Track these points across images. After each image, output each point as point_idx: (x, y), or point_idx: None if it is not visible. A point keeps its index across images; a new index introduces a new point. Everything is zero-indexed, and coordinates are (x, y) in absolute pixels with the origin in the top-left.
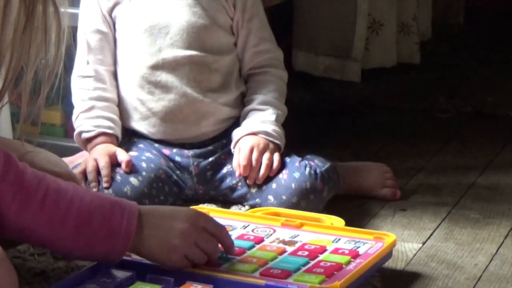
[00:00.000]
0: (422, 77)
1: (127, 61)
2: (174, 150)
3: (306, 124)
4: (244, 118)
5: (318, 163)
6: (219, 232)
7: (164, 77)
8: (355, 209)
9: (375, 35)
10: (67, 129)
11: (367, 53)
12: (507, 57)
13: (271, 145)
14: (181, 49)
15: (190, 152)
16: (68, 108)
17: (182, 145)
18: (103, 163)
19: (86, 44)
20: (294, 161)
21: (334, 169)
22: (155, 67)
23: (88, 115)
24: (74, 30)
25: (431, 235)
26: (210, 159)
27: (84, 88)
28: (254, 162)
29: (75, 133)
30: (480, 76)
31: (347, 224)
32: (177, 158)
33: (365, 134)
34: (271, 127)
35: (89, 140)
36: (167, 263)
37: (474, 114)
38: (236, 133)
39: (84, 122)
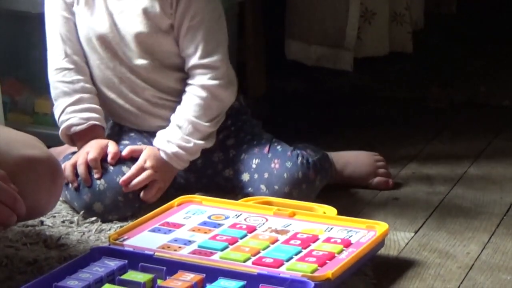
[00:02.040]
0: (414, 67)
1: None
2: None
3: (299, 113)
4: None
5: (310, 153)
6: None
7: (125, 80)
8: (348, 198)
9: (367, 24)
10: None
11: (359, 42)
12: (500, 46)
13: (163, 167)
14: (136, 58)
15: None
16: None
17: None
18: (93, 155)
19: (59, 36)
20: (286, 151)
21: (326, 158)
22: (115, 73)
23: (75, 108)
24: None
25: (423, 224)
26: None
27: (66, 81)
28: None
29: (62, 127)
30: (472, 65)
31: (340, 213)
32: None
33: (357, 123)
34: (172, 149)
35: (79, 133)
36: None
37: (466, 103)
38: (155, 141)
39: (72, 115)
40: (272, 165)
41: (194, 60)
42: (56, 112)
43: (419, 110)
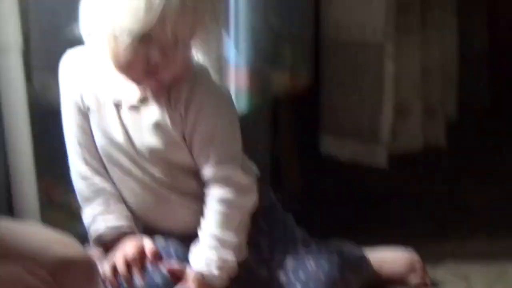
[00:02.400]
0: (449, 161)
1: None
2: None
3: (333, 209)
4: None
5: (346, 251)
6: None
7: (147, 187)
8: None
9: (401, 120)
10: None
11: (393, 138)
12: None
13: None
14: (152, 167)
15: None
16: None
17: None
18: (133, 255)
19: (77, 141)
20: (321, 250)
21: (363, 257)
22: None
23: (104, 217)
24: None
25: None
26: None
27: (87, 185)
28: None
29: (93, 237)
30: (508, 160)
31: None
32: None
33: (392, 220)
34: (212, 271)
35: (111, 241)
36: None
37: (503, 200)
38: (191, 261)
39: (101, 225)
40: (308, 265)
41: (208, 171)
42: (85, 220)
43: (454, 206)
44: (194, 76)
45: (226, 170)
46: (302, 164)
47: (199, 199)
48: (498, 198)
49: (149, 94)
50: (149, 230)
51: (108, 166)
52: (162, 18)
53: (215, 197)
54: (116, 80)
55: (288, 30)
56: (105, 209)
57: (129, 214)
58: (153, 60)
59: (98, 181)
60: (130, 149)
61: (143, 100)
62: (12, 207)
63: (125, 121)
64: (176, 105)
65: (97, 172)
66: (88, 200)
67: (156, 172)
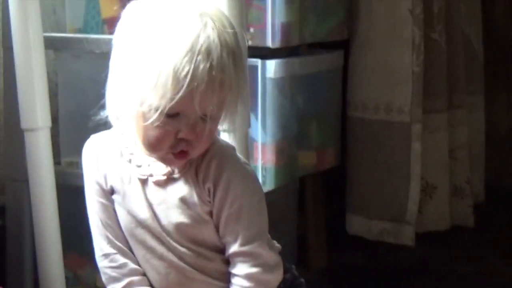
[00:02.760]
0: (476, 240)
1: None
2: None
3: (359, 287)
4: None
5: None
6: None
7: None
8: None
9: (428, 198)
10: None
11: (420, 217)
12: None
13: None
14: (178, 244)
15: None
16: None
17: None
18: None
19: (100, 223)
20: None
21: None
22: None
23: None
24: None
25: None
26: None
27: (113, 267)
28: None
29: None
30: None
31: None
32: None
33: None
34: None
35: None
36: None
37: None
38: None
39: None
40: None
41: (234, 248)
42: None
43: (481, 284)
44: (222, 153)
45: (254, 248)
46: (329, 242)
47: (224, 278)
48: None
49: (175, 170)
50: None
51: (133, 245)
52: (189, 94)
53: (242, 274)
54: (142, 158)
55: (315, 109)
56: (129, 286)
57: None
58: (181, 135)
59: (122, 261)
60: (156, 226)
61: (170, 176)
62: (38, 283)
63: (151, 198)
64: (204, 181)
65: (121, 252)
66: (113, 280)
67: (181, 250)
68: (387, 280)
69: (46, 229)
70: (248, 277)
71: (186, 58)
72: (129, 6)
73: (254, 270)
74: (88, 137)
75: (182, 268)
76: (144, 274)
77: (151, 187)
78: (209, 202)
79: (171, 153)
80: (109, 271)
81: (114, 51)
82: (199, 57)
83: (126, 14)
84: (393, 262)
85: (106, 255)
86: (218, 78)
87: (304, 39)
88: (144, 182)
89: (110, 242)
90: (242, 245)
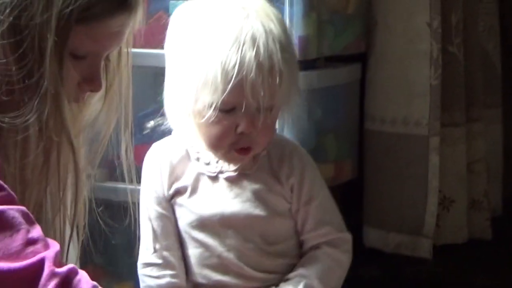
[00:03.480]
0: (493, 253)
1: (192, 247)
2: None
3: None
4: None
5: None
6: None
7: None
8: None
9: (446, 211)
10: None
11: (438, 230)
12: None
13: None
14: (243, 241)
15: None
16: (139, 284)
17: None
18: None
19: (152, 231)
20: None
21: None
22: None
23: None
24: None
25: None
26: None
27: (153, 276)
28: None
29: None
30: None
31: None
32: None
33: None
34: None
35: None
36: None
37: None
38: None
39: None
40: None
41: (317, 234)
42: None
43: None
44: (298, 148)
45: (343, 235)
46: None
47: (280, 270)
48: None
49: (248, 166)
50: None
51: (190, 245)
52: (240, 85)
53: (327, 253)
54: (209, 156)
55: (333, 122)
56: None
57: None
58: (240, 130)
59: (162, 271)
60: (223, 223)
61: (242, 172)
62: None
63: (221, 195)
64: (287, 176)
65: (165, 263)
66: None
67: (246, 246)
68: None
69: None
70: (330, 258)
71: (232, 49)
72: (175, 11)
73: (337, 252)
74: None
75: (239, 267)
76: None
77: (221, 184)
78: (289, 197)
79: (233, 150)
80: (147, 279)
81: (167, 57)
82: (245, 46)
83: (173, 19)
84: (410, 275)
85: (148, 264)
86: (267, 65)
87: (321, 53)
88: (214, 179)
89: (156, 252)
90: (334, 232)
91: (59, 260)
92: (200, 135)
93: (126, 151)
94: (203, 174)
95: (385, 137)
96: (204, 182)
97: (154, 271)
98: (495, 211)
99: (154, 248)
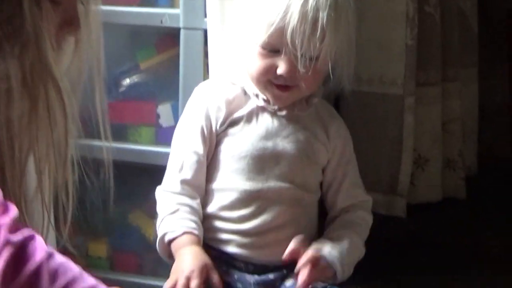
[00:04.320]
0: (468, 213)
1: (222, 182)
2: (236, 276)
3: None
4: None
5: None
6: None
7: (258, 203)
8: None
9: (420, 170)
10: (113, 261)
11: (412, 189)
12: None
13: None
14: (285, 182)
15: (252, 279)
16: (114, 240)
17: (246, 266)
18: (197, 282)
19: (181, 163)
20: None
21: None
22: (255, 193)
23: (173, 217)
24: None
25: None
26: None
27: (170, 199)
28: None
29: (158, 238)
30: None
31: None
32: (239, 285)
33: (409, 270)
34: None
35: (173, 240)
36: None
37: None
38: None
39: (168, 223)
40: None
41: (352, 200)
42: (157, 225)
43: (472, 257)
44: (331, 109)
45: (365, 196)
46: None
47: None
48: None
49: (300, 106)
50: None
51: (228, 178)
52: (282, 29)
53: (360, 216)
54: (253, 91)
55: None
56: (176, 210)
57: (199, 222)
58: (278, 71)
59: (183, 199)
60: (269, 160)
61: (291, 112)
62: None
63: (270, 130)
64: (327, 126)
65: (188, 193)
66: (165, 209)
67: (282, 185)
68: (378, 251)
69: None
70: (362, 219)
71: None
72: None
73: (366, 215)
74: None
75: (273, 203)
76: (199, 214)
77: (276, 120)
78: (331, 152)
79: (273, 85)
80: (165, 201)
81: None
82: None
83: None
84: (385, 234)
85: (168, 192)
86: (312, 17)
87: None
88: (272, 114)
89: (182, 181)
90: (364, 195)
91: (16, 225)
92: (248, 69)
93: (100, 106)
94: (261, 108)
95: (361, 96)
96: (262, 116)
97: (173, 197)
98: (470, 170)
99: (182, 180)
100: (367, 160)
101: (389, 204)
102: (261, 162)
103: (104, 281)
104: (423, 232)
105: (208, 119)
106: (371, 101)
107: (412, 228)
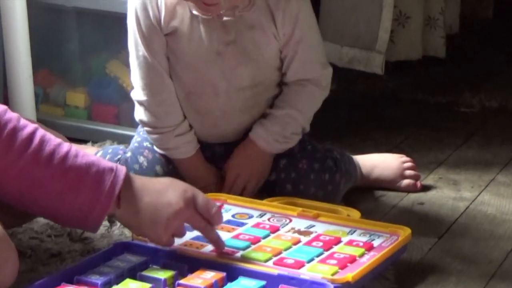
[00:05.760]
0: (447, 71)
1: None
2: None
3: (329, 114)
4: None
5: (337, 155)
6: (209, 216)
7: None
8: (373, 201)
9: (401, 27)
10: (91, 111)
11: (392, 46)
12: None
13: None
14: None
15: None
16: (92, 90)
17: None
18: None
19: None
20: (315, 152)
21: (351, 162)
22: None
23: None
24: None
25: (447, 229)
26: None
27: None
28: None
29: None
30: (507, 71)
31: (364, 216)
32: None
33: (387, 127)
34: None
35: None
36: (154, 239)
37: (498, 109)
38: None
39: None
40: (300, 165)
41: (305, 73)
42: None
43: (450, 115)
44: None
45: (321, 70)
46: None
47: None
48: (494, 108)
49: (244, 6)
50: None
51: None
52: None
53: (307, 88)
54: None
55: None
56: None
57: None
58: None
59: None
60: (219, 57)
61: (233, 13)
62: (7, 99)
63: (216, 37)
64: (274, 13)
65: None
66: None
67: (240, 81)
68: (356, 107)
69: (16, 45)
70: (310, 94)
71: None
72: None
73: (316, 90)
74: None
75: (227, 110)
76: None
77: (217, 27)
78: (281, 39)
79: (201, 2)
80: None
81: None
82: None
83: None
84: (363, 90)
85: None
86: None
87: None
88: (209, 21)
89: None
90: (319, 69)
91: None
92: None
93: None
94: (197, 16)
95: None
96: (199, 25)
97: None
98: (451, 28)
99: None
100: (347, 15)
101: (367, 60)
102: (218, 64)
103: (80, 130)
104: (400, 89)
105: (155, 20)
106: None
107: (390, 85)
